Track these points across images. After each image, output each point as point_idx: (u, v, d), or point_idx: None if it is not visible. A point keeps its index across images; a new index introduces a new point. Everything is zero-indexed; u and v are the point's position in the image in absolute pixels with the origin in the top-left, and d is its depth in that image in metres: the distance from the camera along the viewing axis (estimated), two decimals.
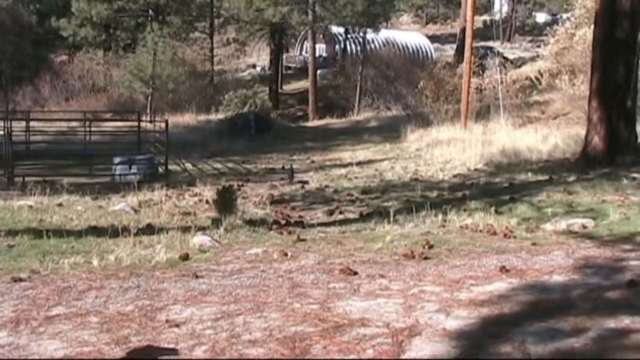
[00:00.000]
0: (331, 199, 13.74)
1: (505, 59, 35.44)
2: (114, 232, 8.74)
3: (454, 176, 15.99)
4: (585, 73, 21.83)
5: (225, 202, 11.12)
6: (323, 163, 20.48)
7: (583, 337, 4.36)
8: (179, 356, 4.21)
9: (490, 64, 30.00)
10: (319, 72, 42.73)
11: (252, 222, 10.14)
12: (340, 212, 11.98)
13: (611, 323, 4.58)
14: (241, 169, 19.51)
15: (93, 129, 23.43)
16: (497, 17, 62.58)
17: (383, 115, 34.08)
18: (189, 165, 20.00)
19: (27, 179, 15.53)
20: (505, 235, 8.11)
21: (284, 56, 51.71)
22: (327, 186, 15.46)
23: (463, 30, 39.19)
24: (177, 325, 4.75)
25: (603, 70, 15.40)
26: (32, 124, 23.37)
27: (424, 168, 17.67)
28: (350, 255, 7.03)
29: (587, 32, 24.63)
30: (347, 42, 47.81)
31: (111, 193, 14.18)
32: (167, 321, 4.85)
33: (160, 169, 18.09)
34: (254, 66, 53.77)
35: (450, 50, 53.13)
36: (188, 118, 32.52)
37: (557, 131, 21.10)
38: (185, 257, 6.98)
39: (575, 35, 28.64)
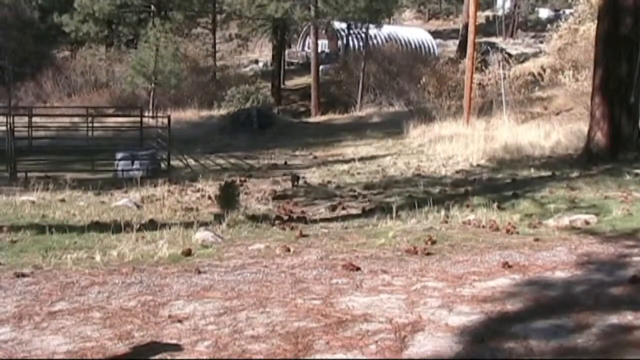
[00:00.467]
0: (334, 194, 13.74)
1: (508, 54, 35.31)
2: (117, 227, 8.75)
3: (457, 172, 15.97)
4: (588, 69, 21.81)
5: (228, 198, 11.12)
6: (325, 159, 20.47)
7: (586, 333, 4.36)
8: (182, 352, 4.21)
9: (493, 59, 29.97)
10: (321, 67, 42.70)
11: (254, 218, 10.13)
12: (343, 208, 11.97)
13: (614, 319, 4.58)
14: (243, 165, 19.50)
15: (95, 124, 23.39)
16: (500, 12, 62.58)
17: (385, 111, 34.07)
18: (191, 161, 20.01)
19: (29, 174, 15.54)
20: (507, 231, 8.10)
21: (286, 52, 51.71)
22: (329, 182, 15.46)
23: (465, 26, 39.10)
24: (179, 321, 4.76)
25: (606, 66, 15.36)
26: (34, 119, 23.36)
27: (427, 164, 17.65)
28: (353, 250, 7.02)
29: (590, 28, 24.56)
30: (350, 38, 47.78)
31: (114, 189, 14.20)
32: (169, 317, 4.86)
33: (163, 165, 18.10)
34: (256, 62, 53.75)
35: (452, 46, 53.08)
36: (190, 114, 32.54)
37: (560, 127, 21.06)
38: (188, 253, 6.98)
39: (579, 30, 28.56)
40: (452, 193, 12.90)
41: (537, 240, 7.41)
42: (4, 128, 17.89)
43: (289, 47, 54.06)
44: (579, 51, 26.90)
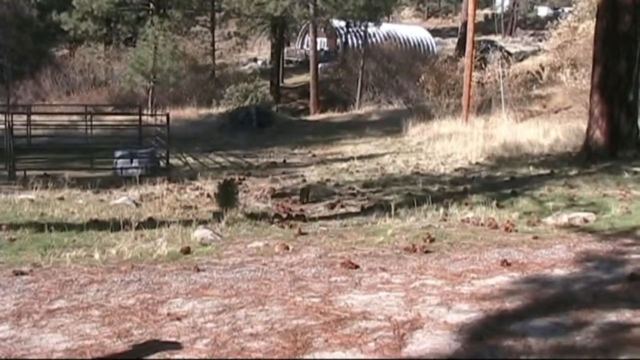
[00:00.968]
0: (332, 192, 13.74)
1: (507, 52, 35.32)
2: (116, 225, 8.75)
3: (456, 170, 15.98)
4: (587, 67, 21.82)
5: (227, 196, 11.12)
6: (324, 157, 20.48)
7: (584, 331, 4.37)
8: (180, 349, 4.21)
9: (492, 57, 29.96)
10: (320, 65, 42.64)
11: (253, 216, 10.14)
12: (342, 206, 11.98)
13: (613, 317, 4.59)
14: (242, 163, 19.50)
15: (94, 122, 23.37)
16: (499, 10, 62.54)
17: (384, 109, 34.06)
18: (190, 159, 20.01)
19: (28, 172, 15.53)
20: (506, 229, 8.10)
21: (285, 50, 51.64)
22: (328, 180, 15.46)
23: (464, 24, 39.12)
24: (178, 319, 4.76)
25: (605, 64, 15.37)
26: (33, 117, 23.34)
27: (426, 162, 17.67)
28: (352, 248, 7.03)
29: (589, 26, 24.59)
30: (349, 36, 47.73)
31: (112, 187, 14.19)
32: (168, 314, 4.86)
33: (162, 163, 18.08)
34: (255, 60, 53.69)
35: (451, 44, 53.00)
36: (189, 112, 32.52)
37: (559, 125, 21.09)
38: (187, 251, 6.98)
39: (578, 28, 28.60)
40: (451, 191, 12.91)
41: (535, 238, 7.42)
42: (2, 126, 17.87)
43: (288, 45, 54.01)
44: (578, 49, 26.93)
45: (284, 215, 10.68)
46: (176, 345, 4.26)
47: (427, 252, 6.74)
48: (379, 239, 7.44)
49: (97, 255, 6.76)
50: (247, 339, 4.36)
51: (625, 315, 4.61)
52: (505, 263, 6.07)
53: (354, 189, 13.99)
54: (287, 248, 7.00)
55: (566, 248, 6.78)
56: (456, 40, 50.09)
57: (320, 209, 11.85)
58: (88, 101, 31.85)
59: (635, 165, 13.67)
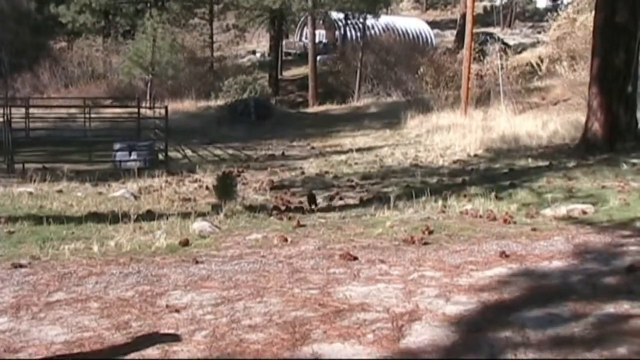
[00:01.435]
0: (331, 184, 13.75)
1: (506, 44, 35.26)
2: (114, 218, 8.74)
3: (454, 162, 15.98)
4: (586, 59, 21.81)
5: (225, 188, 11.11)
6: (323, 149, 20.46)
7: (582, 322, 4.37)
8: (179, 341, 4.21)
9: (491, 50, 29.91)
10: (318, 58, 42.58)
11: (252, 208, 10.13)
12: (340, 198, 11.98)
13: (610, 308, 4.60)
14: (241, 155, 19.48)
15: (93, 115, 23.35)
16: (498, 2, 62.37)
17: (383, 101, 34.02)
18: (188, 152, 20.01)
19: (27, 165, 15.51)
20: (505, 221, 8.11)
21: (284, 42, 51.53)
22: (327, 172, 15.46)
23: (463, 16, 39.06)
24: (177, 311, 4.77)
25: (603, 56, 15.35)
26: (31, 110, 23.32)
27: (424, 154, 17.67)
28: (350, 240, 7.03)
29: (588, 18, 24.55)
30: (347, 28, 47.64)
31: (111, 179, 14.19)
32: (167, 306, 4.87)
33: (160, 156, 18.07)
34: (253, 52, 53.59)
35: (450, 36, 52.94)
36: (188, 104, 32.45)
37: (557, 117, 21.09)
38: (185, 243, 6.99)
39: (577, 20, 28.55)
40: (450, 183, 12.91)
41: (534, 230, 7.43)
42: (1, 119, 17.86)
43: (287, 37, 53.87)
44: (577, 41, 26.89)
45: (283, 208, 10.68)
46: (175, 337, 4.27)
47: (425, 244, 6.74)
48: (378, 231, 7.44)
49: (95, 248, 6.77)
50: (246, 331, 4.37)
51: (624, 306, 4.62)
52: (504, 255, 6.08)
53: (352, 181, 13.99)
54: (286, 240, 7.00)
55: (564, 240, 6.79)
56: (455, 32, 50.03)
57: (319, 201, 11.85)
58: (86, 94, 31.80)
59: (633, 157, 13.68)
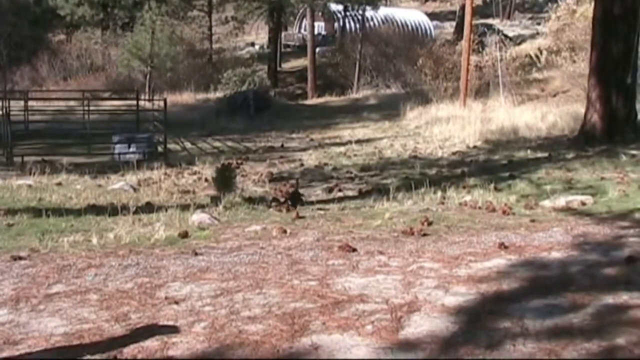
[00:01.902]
0: (330, 176, 13.76)
1: (505, 36, 35.24)
2: (113, 210, 8.75)
3: (453, 153, 15.99)
4: (585, 50, 21.78)
5: (224, 180, 11.11)
6: (322, 141, 20.44)
7: (581, 313, 4.38)
8: (178, 333, 4.22)
9: (490, 41, 29.88)
10: (317, 50, 42.50)
11: (251, 200, 10.13)
12: (340, 190, 11.99)
13: (609, 299, 4.60)
14: (240, 147, 19.48)
15: (92, 108, 23.29)
16: None
17: (382, 93, 33.99)
18: (187, 144, 20.00)
19: (26, 158, 15.51)
20: (504, 212, 8.11)
21: (283, 34, 51.42)
22: (326, 164, 15.46)
23: (462, 7, 38.91)
24: (176, 302, 4.77)
25: (602, 48, 15.34)
26: (30, 103, 23.31)
27: (423, 145, 17.66)
28: (349, 232, 7.03)
29: (588, 9, 24.52)
30: (346, 20, 47.53)
31: (110, 172, 14.20)
32: (166, 298, 4.87)
33: (159, 148, 18.07)
34: (252, 44, 53.47)
35: (449, 27, 52.81)
36: (187, 97, 32.41)
37: (557, 109, 21.08)
38: (185, 235, 6.99)
39: (577, 11, 28.52)
40: (449, 174, 12.92)
41: (533, 221, 7.43)
42: (0, 112, 17.84)
43: (286, 29, 53.76)
44: (577, 32, 26.86)
45: (282, 199, 10.68)
46: (174, 329, 4.27)
47: (424, 235, 6.75)
48: (377, 223, 7.45)
49: (94, 240, 6.77)
50: (245, 322, 4.37)
51: (622, 297, 4.63)
52: (503, 246, 6.08)
53: (351, 172, 14.00)
54: (285, 232, 7.00)
55: (563, 231, 6.79)
56: (454, 23, 49.90)
57: (318, 192, 11.86)
58: (85, 86, 31.77)
59: (632, 149, 13.68)
